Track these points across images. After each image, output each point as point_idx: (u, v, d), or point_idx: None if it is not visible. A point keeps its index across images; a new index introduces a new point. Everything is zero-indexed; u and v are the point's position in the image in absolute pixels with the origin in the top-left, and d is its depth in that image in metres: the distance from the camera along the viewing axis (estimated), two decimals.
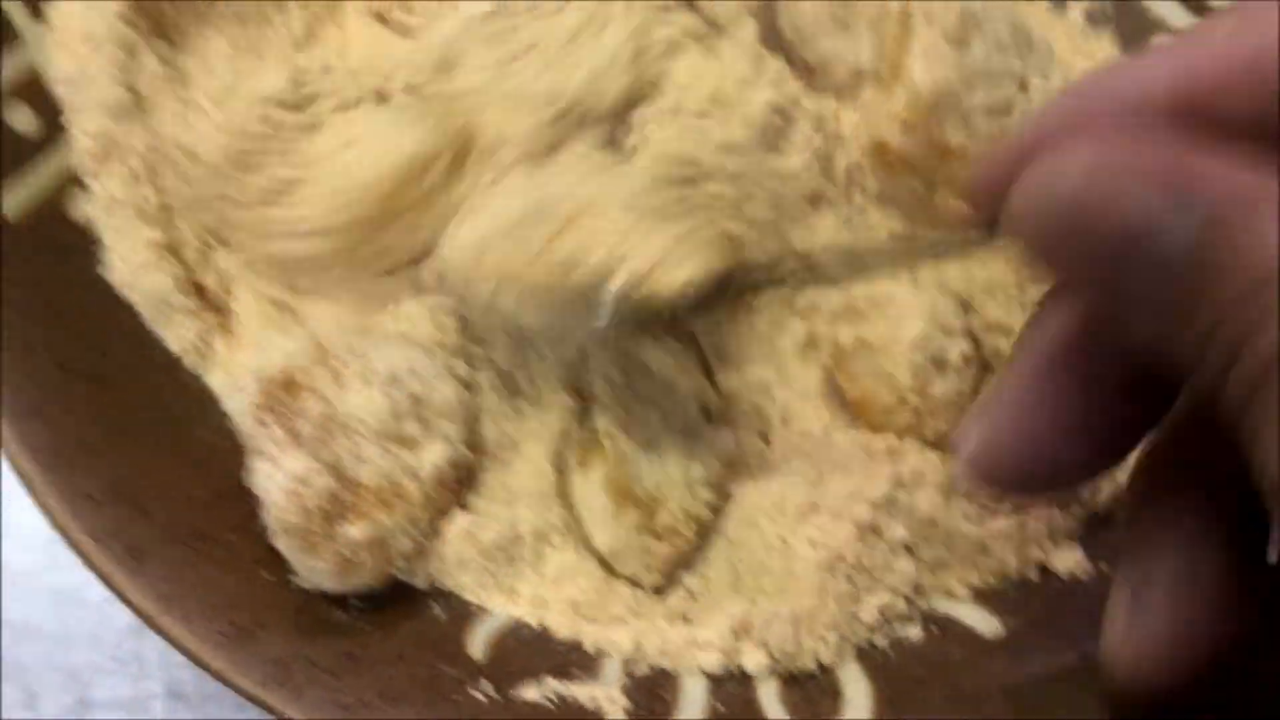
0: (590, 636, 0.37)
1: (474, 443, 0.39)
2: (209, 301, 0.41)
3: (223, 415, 0.39)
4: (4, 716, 0.42)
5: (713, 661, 0.37)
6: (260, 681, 0.34)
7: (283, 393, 0.36)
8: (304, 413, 0.36)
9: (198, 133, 0.39)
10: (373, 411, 0.36)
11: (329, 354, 0.37)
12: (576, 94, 0.40)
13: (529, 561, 0.38)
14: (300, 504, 0.34)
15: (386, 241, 0.39)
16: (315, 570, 0.35)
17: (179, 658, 0.42)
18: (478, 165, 0.39)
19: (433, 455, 0.37)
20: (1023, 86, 0.41)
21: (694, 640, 0.37)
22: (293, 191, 0.39)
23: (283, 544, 0.35)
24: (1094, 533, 0.38)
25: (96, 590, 0.43)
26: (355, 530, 0.35)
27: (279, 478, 0.35)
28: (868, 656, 0.37)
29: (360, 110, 0.40)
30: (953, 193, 0.41)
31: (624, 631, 0.37)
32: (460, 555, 0.38)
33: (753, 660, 0.37)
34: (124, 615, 0.43)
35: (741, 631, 0.37)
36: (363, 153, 0.39)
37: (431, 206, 0.39)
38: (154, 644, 0.43)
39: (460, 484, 0.38)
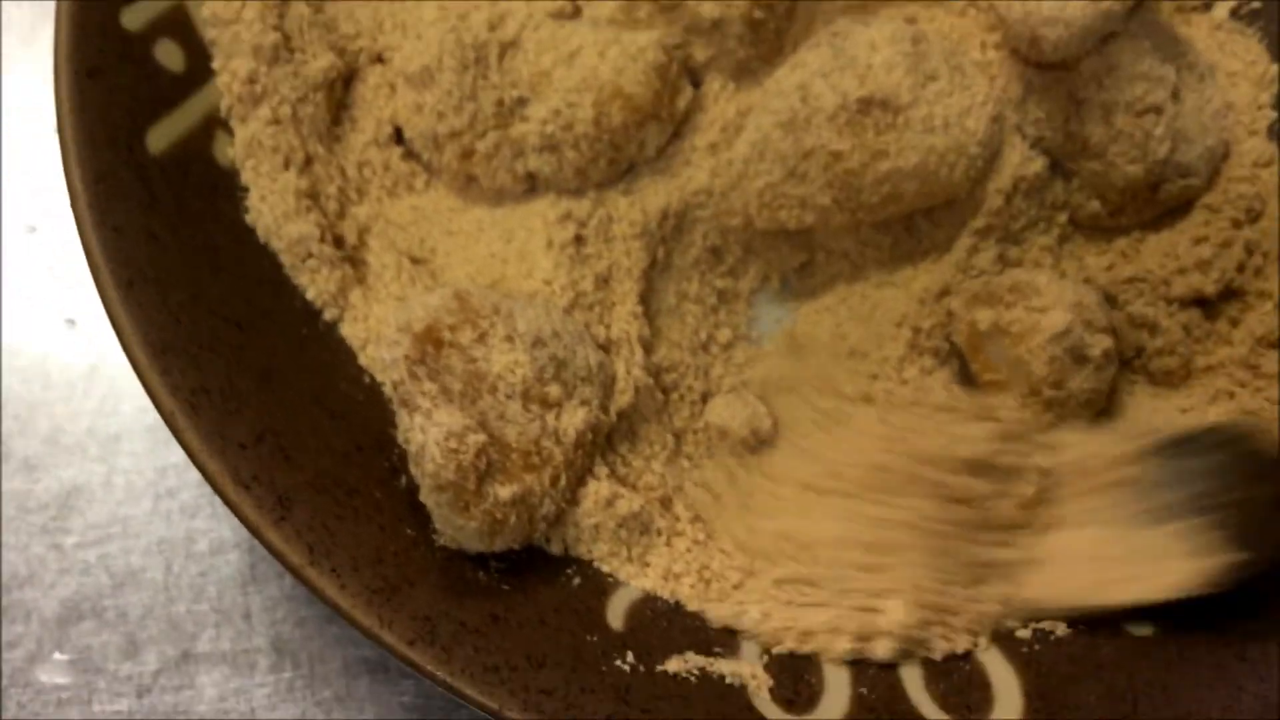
0: (717, 612, 0.37)
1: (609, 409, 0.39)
2: (346, 253, 0.40)
3: (359, 368, 0.39)
4: (106, 666, 0.41)
5: (844, 647, 0.36)
6: (409, 639, 0.33)
7: (430, 346, 0.36)
8: (451, 369, 0.35)
9: (417, 57, 0.40)
10: (518, 372, 0.36)
11: (474, 311, 0.37)
12: None
13: (662, 534, 0.38)
14: (456, 460, 0.34)
15: (627, 150, 0.40)
16: (463, 529, 0.35)
17: (284, 612, 0.42)
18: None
19: (574, 419, 0.37)
20: (1175, 95, 0.41)
21: (823, 624, 0.37)
22: (526, 108, 0.40)
23: (433, 500, 0.34)
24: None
25: (203, 542, 0.43)
26: (504, 490, 0.35)
27: (434, 432, 0.34)
28: (1012, 649, 0.36)
29: (563, 26, 0.40)
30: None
31: (754, 611, 0.37)
32: (597, 524, 0.37)
33: (884, 647, 0.36)
34: (230, 567, 0.43)
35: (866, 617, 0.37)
36: (599, 64, 0.39)
37: (670, 113, 0.40)
38: (260, 598, 0.42)
39: (596, 449, 0.38)
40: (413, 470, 0.35)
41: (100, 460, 0.43)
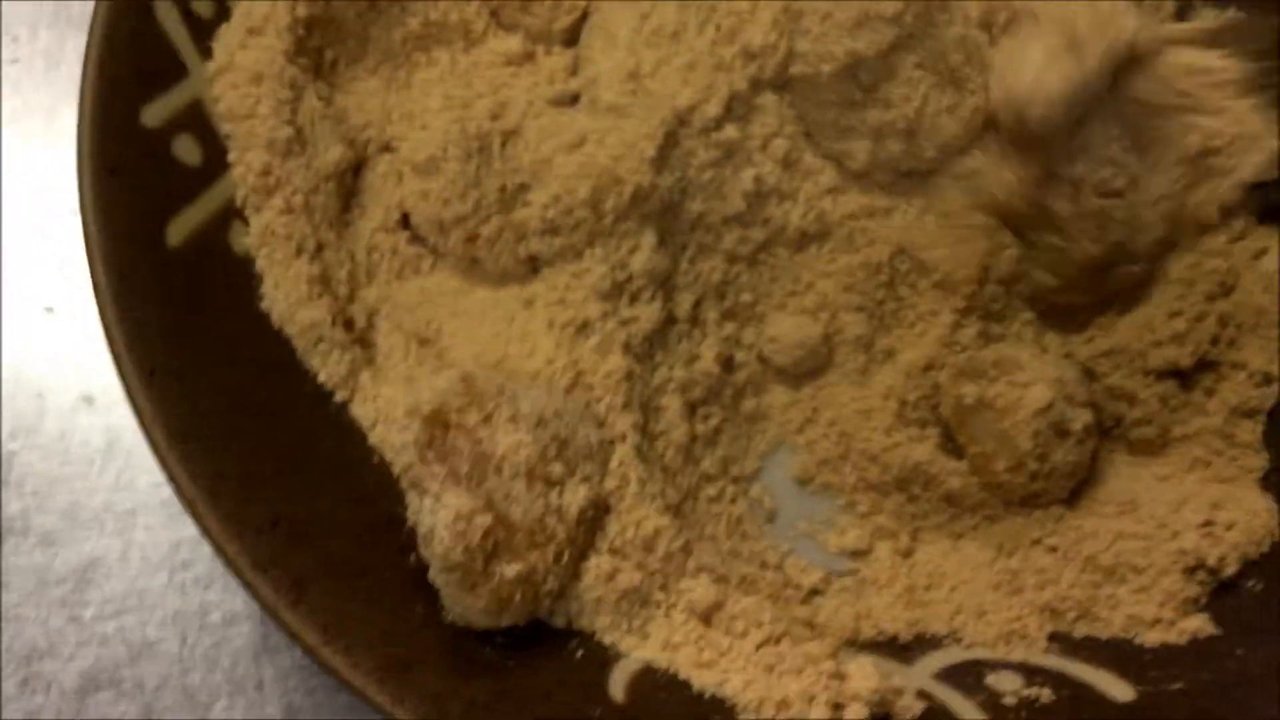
0: (703, 680, 0.38)
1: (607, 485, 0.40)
2: (356, 335, 0.42)
3: (368, 449, 0.40)
4: None
5: (819, 715, 0.37)
6: (421, 716, 0.34)
7: (439, 430, 0.37)
8: (458, 450, 0.37)
9: (424, 147, 0.42)
10: (522, 452, 0.37)
11: (479, 393, 0.38)
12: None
13: (661, 605, 0.39)
14: (464, 542, 0.35)
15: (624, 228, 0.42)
16: (471, 608, 0.36)
17: (295, 682, 0.44)
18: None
19: (576, 496, 0.38)
20: (1134, 183, 0.43)
21: (799, 693, 0.38)
22: (527, 194, 0.42)
23: (442, 580, 0.36)
24: (1220, 599, 0.39)
25: (217, 613, 0.44)
26: (510, 569, 0.36)
27: (443, 515, 0.36)
28: (1001, 714, 0.38)
29: (563, 113, 0.42)
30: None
31: (736, 679, 0.38)
32: (598, 597, 0.39)
33: (855, 712, 0.37)
34: (243, 639, 0.44)
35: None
36: (597, 151, 0.41)
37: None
38: (271, 669, 0.44)
39: (596, 524, 0.39)
40: (422, 550, 0.36)
41: (117, 534, 0.45)
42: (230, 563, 0.35)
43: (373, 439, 0.40)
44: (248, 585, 0.35)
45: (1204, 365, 0.44)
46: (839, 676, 0.38)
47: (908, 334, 0.44)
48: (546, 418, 0.38)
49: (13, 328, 0.48)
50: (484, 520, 0.36)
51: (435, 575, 0.36)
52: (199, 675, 0.44)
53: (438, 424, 0.37)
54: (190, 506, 0.36)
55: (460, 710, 0.35)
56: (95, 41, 0.40)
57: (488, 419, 0.38)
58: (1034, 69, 0.41)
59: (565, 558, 0.38)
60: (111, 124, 0.39)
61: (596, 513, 0.39)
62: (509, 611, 0.37)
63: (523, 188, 0.42)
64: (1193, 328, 0.43)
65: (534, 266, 0.43)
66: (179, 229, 0.40)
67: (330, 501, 0.38)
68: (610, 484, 0.40)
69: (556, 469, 0.38)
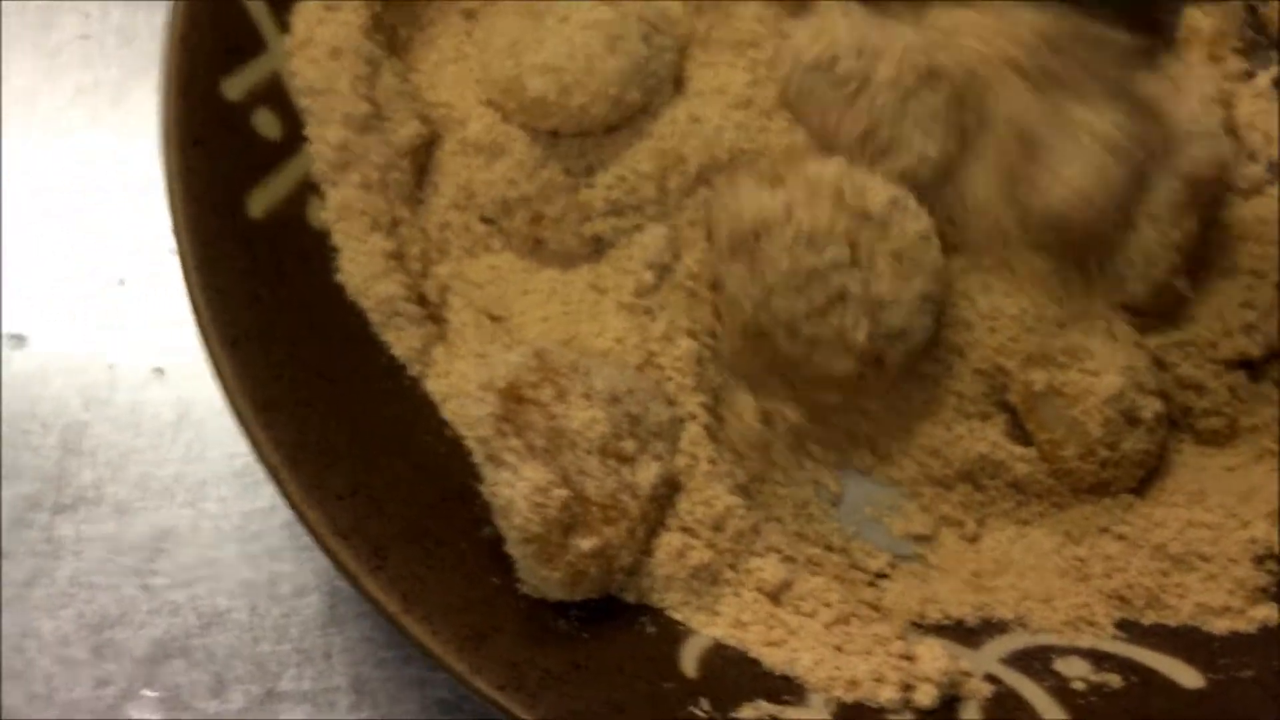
0: (773, 659, 0.38)
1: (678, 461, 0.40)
2: (429, 311, 0.42)
3: (441, 422, 0.41)
4: (194, 704, 0.43)
5: (888, 695, 0.38)
6: (499, 685, 0.35)
7: (514, 403, 0.37)
8: (533, 425, 0.37)
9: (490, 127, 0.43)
10: (596, 428, 0.38)
11: (553, 369, 0.38)
12: None
13: (731, 584, 0.40)
14: (543, 514, 0.36)
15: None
16: (547, 580, 0.36)
17: (363, 653, 0.44)
18: None
19: (648, 473, 0.38)
20: (841, 296, 0.40)
21: (867, 673, 0.38)
22: (592, 175, 0.43)
23: (520, 551, 0.36)
24: None
25: (287, 584, 0.45)
26: (585, 543, 0.36)
27: (521, 487, 0.36)
28: (1069, 698, 0.38)
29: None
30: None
31: (805, 658, 0.38)
32: (669, 574, 0.39)
33: (927, 694, 0.38)
34: (311, 609, 0.45)
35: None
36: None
37: None
38: (340, 639, 0.44)
39: (667, 502, 0.40)
40: (499, 523, 0.37)
41: (188, 505, 0.45)
42: (312, 530, 0.36)
43: (445, 413, 0.41)
44: (329, 552, 0.36)
45: (1274, 356, 0.44)
46: (908, 657, 0.38)
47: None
48: (619, 394, 0.39)
49: (85, 299, 0.48)
50: (561, 494, 0.36)
51: (512, 547, 0.36)
52: (268, 645, 0.44)
53: (513, 398, 0.37)
54: (273, 474, 0.36)
55: (536, 680, 0.35)
56: (177, 15, 0.40)
57: (561, 395, 0.38)
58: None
59: (638, 533, 0.38)
60: (194, 96, 0.40)
61: (668, 490, 0.39)
62: (584, 585, 0.37)
63: (588, 169, 0.43)
64: (1264, 318, 0.43)
65: (598, 247, 0.43)
66: (259, 201, 0.40)
67: (406, 472, 0.39)
68: (681, 462, 0.40)
69: (629, 445, 0.38)
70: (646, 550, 0.39)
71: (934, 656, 0.38)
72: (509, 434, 0.37)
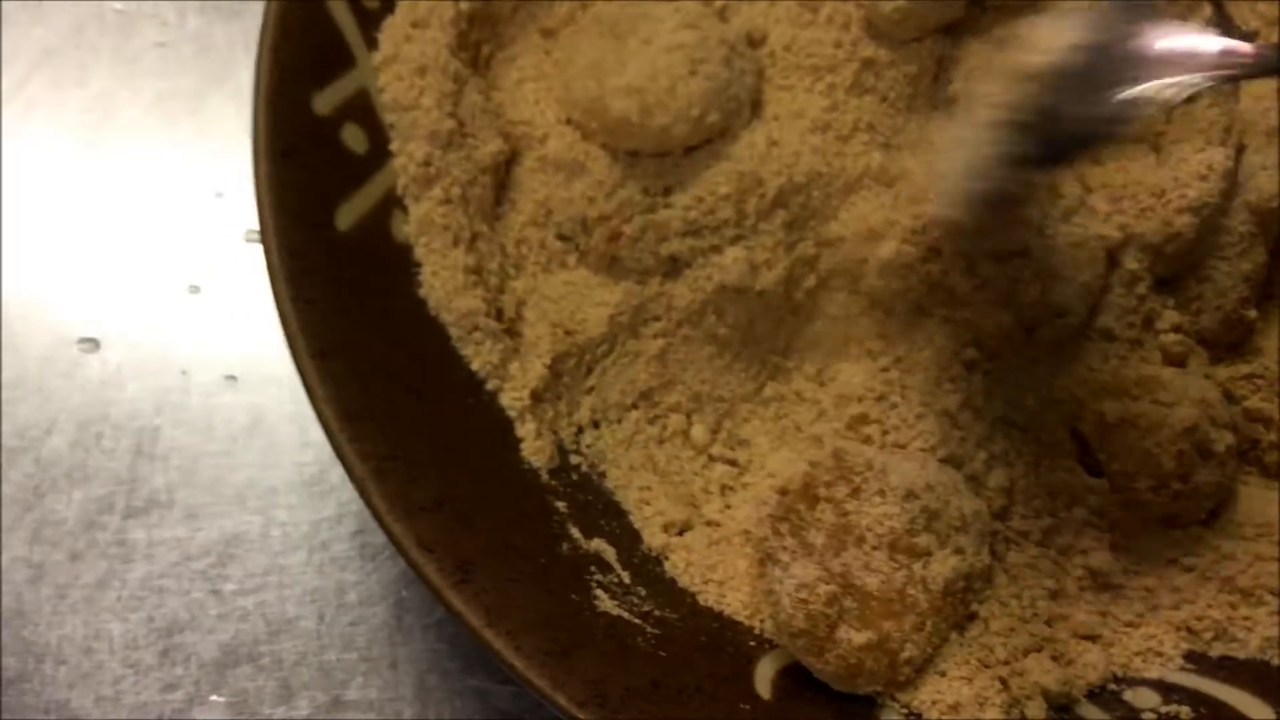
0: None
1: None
2: (505, 325, 0.43)
3: (517, 438, 0.41)
4: (261, 710, 0.44)
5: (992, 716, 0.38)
6: (580, 701, 0.35)
7: (802, 504, 0.38)
8: (818, 522, 0.38)
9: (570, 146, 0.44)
10: (887, 524, 0.38)
11: (849, 467, 0.39)
12: None
13: None
14: (805, 610, 0.37)
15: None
16: (821, 672, 0.37)
17: (428, 664, 0.45)
18: None
19: (944, 567, 0.38)
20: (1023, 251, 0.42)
21: (971, 697, 0.38)
22: (670, 195, 0.43)
23: (790, 645, 0.38)
24: None
25: (354, 593, 0.45)
26: (859, 637, 0.37)
27: (788, 584, 0.37)
28: None
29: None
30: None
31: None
32: None
33: (1036, 708, 0.38)
34: (378, 619, 0.45)
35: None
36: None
37: None
38: (406, 649, 0.44)
39: (972, 593, 0.40)
40: (773, 614, 0.38)
41: (258, 512, 0.46)
42: (396, 542, 0.36)
43: (520, 431, 0.41)
44: (414, 565, 0.36)
45: None
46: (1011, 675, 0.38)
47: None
48: (917, 490, 0.39)
49: (159, 305, 0.49)
50: (828, 589, 0.37)
51: (781, 638, 0.38)
52: (335, 653, 0.44)
53: (804, 498, 0.38)
54: (359, 485, 0.37)
55: (618, 697, 0.35)
56: (269, 28, 0.41)
57: (855, 492, 0.38)
58: None
59: (928, 627, 0.38)
60: (284, 109, 0.40)
61: (970, 583, 0.39)
62: (864, 677, 0.37)
63: (666, 190, 0.43)
64: None
65: (674, 266, 0.44)
66: (347, 214, 0.40)
67: (488, 486, 0.39)
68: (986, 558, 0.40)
69: (923, 540, 0.38)
70: (940, 643, 0.38)
71: (1043, 669, 0.38)
72: (785, 534, 0.38)
